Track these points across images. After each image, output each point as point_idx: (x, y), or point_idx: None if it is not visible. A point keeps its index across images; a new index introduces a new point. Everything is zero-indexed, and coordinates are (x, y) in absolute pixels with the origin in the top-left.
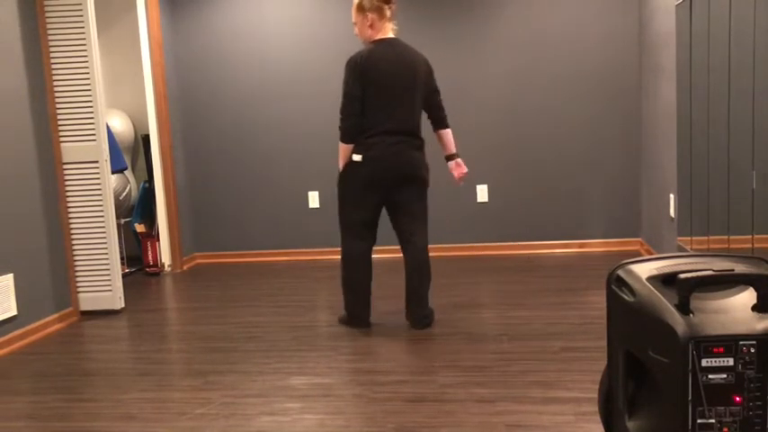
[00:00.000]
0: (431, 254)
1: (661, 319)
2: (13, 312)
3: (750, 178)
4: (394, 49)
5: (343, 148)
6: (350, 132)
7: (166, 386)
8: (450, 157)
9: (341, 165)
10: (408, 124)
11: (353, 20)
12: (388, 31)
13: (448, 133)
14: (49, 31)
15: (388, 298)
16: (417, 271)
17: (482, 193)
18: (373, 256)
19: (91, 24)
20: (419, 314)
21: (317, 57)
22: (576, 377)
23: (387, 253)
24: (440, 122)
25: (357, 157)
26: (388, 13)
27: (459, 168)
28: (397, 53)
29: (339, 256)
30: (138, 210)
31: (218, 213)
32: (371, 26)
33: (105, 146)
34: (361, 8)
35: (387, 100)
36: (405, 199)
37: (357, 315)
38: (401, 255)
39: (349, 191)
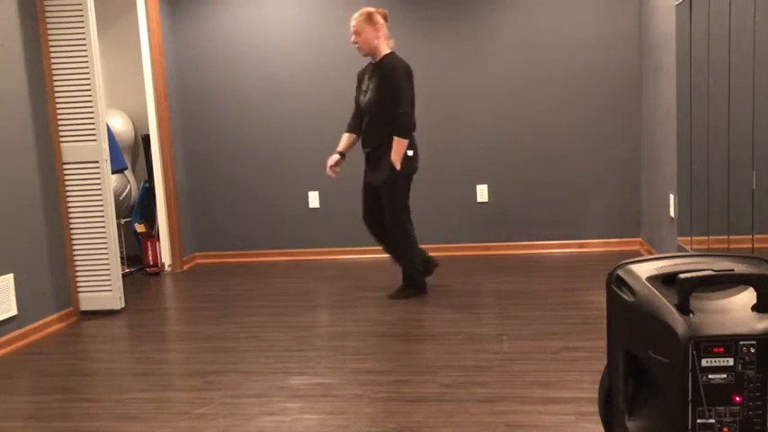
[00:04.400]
0: (431, 254)
1: (661, 319)
2: (13, 312)
3: (750, 178)
4: None
5: (405, 145)
6: (412, 130)
7: (166, 386)
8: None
9: (400, 159)
10: None
11: (357, 29)
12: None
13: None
14: (49, 31)
15: (388, 298)
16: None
17: (482, 193)
18: (376, 256)
19: (91, 24)
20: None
21: (317, 57)
22: (576, 377)
23: None
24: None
25: (410, 153)
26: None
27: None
28: None
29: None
30: (138, 210)
31: (218, 213)
32: (380, 38)
33: (105, 146)
34: (371, 21)
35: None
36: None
37: (425, 271)
38: None
39: (408, 183)
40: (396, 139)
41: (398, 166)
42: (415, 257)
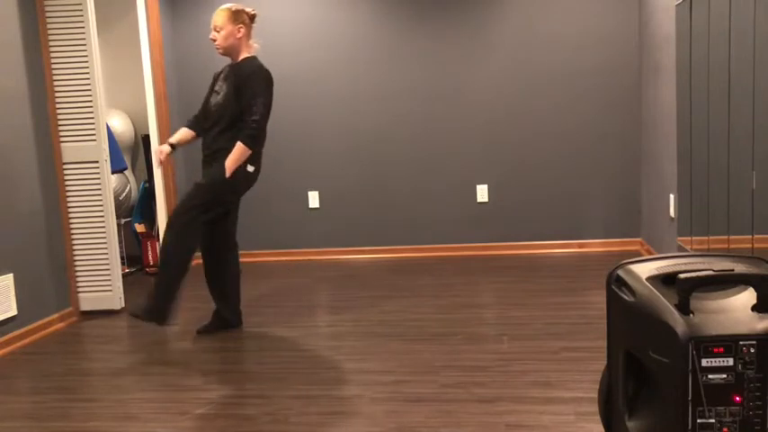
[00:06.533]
0: (430, 253)
1: (661, 319)
2: (13, 312)
3: (750, 178)
4: None
5: (246, 154)
6: (260, 144)
7: (166, 386)
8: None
9: (233, 167)
10: None
11: (219, 25)
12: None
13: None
14: (49, 31)
15: (388, 298)
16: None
17: (482, 193)
18: (376, 256)
19: (91, 24)
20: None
21: (316, 57)
22: (576, 377)
23: (388, 253)
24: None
25: (251, 168)
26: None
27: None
28: None
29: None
30: (138, 210)
31: None
32: (241, 39)
33: (105, 146)
34: (235, 18)
35: None
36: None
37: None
38: (403, 255)
39: (231, 197)
40: (239, 145)
41: (228, 173)
42: (178, 278)
